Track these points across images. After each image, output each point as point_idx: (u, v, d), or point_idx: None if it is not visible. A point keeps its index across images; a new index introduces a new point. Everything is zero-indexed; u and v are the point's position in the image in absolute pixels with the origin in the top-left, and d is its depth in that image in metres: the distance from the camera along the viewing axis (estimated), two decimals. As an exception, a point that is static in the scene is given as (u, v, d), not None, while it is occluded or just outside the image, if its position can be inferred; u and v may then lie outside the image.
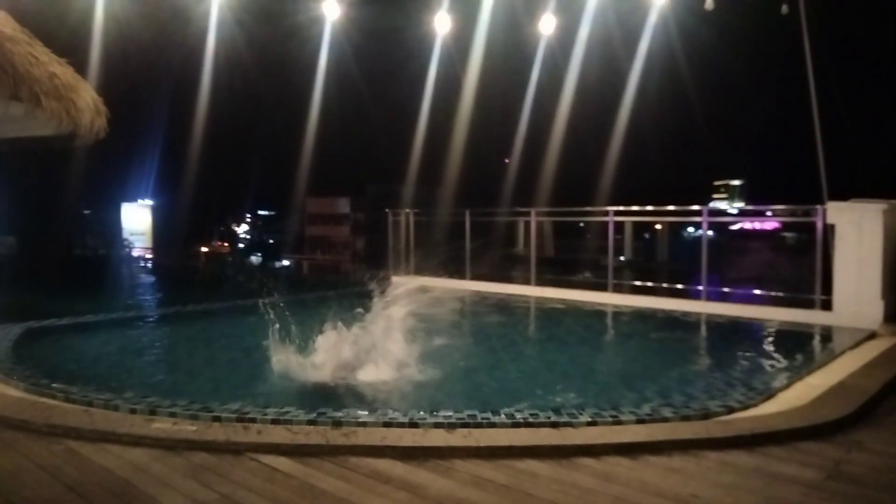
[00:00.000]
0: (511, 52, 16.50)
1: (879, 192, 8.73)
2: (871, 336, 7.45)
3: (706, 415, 4.46)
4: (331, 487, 3.33)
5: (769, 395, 4.95)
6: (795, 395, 4.96)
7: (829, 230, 8.38)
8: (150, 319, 9.54)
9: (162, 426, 4.07)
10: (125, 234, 32.63)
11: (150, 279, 18.22)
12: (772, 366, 6.51)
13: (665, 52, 15.75)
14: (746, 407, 4.66)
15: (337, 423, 4.09)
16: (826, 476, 3.54)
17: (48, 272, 16.70)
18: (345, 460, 3.66)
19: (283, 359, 5.93)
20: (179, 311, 9.59)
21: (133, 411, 4.36)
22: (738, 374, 5.86)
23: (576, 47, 15.28)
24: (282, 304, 6.66)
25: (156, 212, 35.53)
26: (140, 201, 36.49)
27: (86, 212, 39.79)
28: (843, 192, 8.87)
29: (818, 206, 8.62)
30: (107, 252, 30.92)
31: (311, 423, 4.11)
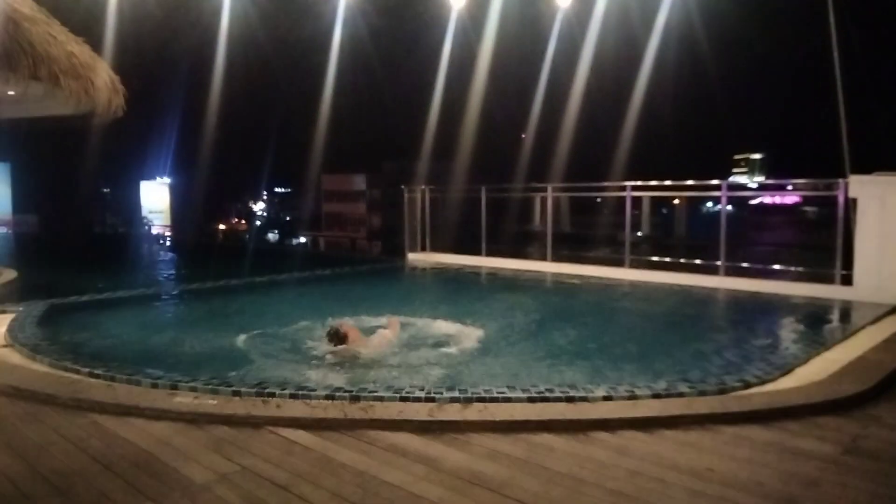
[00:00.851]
0: (527, 26, 16.29)
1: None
2: (892, 311, 7.36)
3: (722, 390, 4.46)
4: (349, 460, 3.38)
5: (787, 370, 4.93)
6: (813, 371, 4.94)
7: (850, 204, 8.26)
8: (171, 296, 9.67)
9: (183, 400, 4.15)
10: (144, 212, 32.98)
11: (170, 256, 18.44)
12: (790, 341, 6.48)
13: (683, 23, 15.47)
14: (763, 382, 4.65)
15: (355, 398, 4.15)
16: (843, 451, 3.54)
17: (69, 250, 16.95)
18: (362, 434, 3.72)
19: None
20: (199, 288, 9.72)
21: (155, 386, 4.45)
22: (756, 350, 5.84)
23: (592, 20, 15.05)
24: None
25: (174, 190, 35.83)
26: (158, 179, 36.78)
27: (105, 190, 40.27)
28: (866, 166, 8.71)
29: (840, 180, 8.48)
30: (126, 230, 31.30)
31: (328, 397, 4.16)
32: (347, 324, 5.99)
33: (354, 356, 5.58)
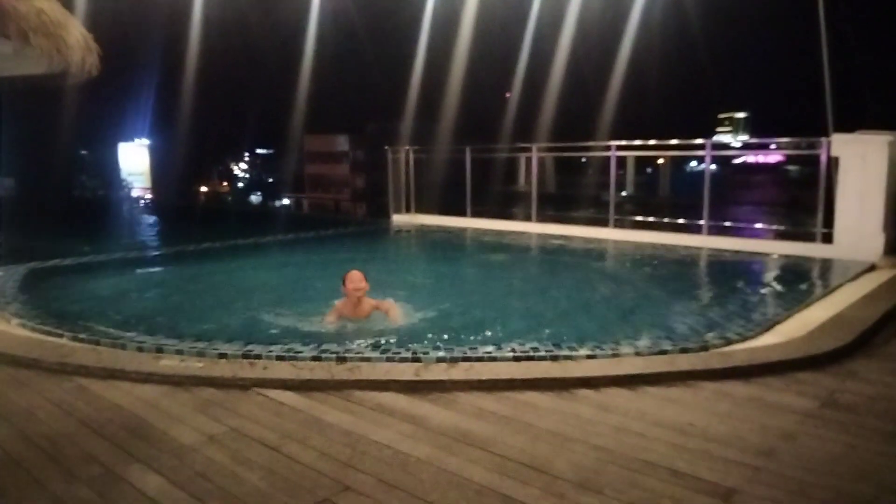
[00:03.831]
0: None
1: (888, 124, 8.59)
2: (871, 269, 7.48)
3: (704, 347, 4.53)
4: (337, 420, 3.41)
5: (767, 327, 5.02)
6: (794, 327, 5.02)
7: (833, 163, 8.30)
8: (152, 259, 9.59)
9: (169, 363, 4.15)
10: (123, 175, 32.45)
11: (151, 219, 18.22)
12: (771, 298, 6.57)
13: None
14: (745, 339, 4.73)
15: (341, 359, 4.16)
16: (821, 405, 3.62)
17: (48, 213, 16.70)
18: (349, 394, 3.75)
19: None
20: (181, 251, 9.63)
21: (140, 349, 4.44)
22: (738, 307, 5.92)
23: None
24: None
25: (153, 151, 35.24)
26: (137, 141, 36.11)
27: (83, 152, 39.44)
28: (849, 125, 8.73)
29: (823, 139, 8.51)
30: (106, 193, 30.84)
31: (315, 359, 4.18)
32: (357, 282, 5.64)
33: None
